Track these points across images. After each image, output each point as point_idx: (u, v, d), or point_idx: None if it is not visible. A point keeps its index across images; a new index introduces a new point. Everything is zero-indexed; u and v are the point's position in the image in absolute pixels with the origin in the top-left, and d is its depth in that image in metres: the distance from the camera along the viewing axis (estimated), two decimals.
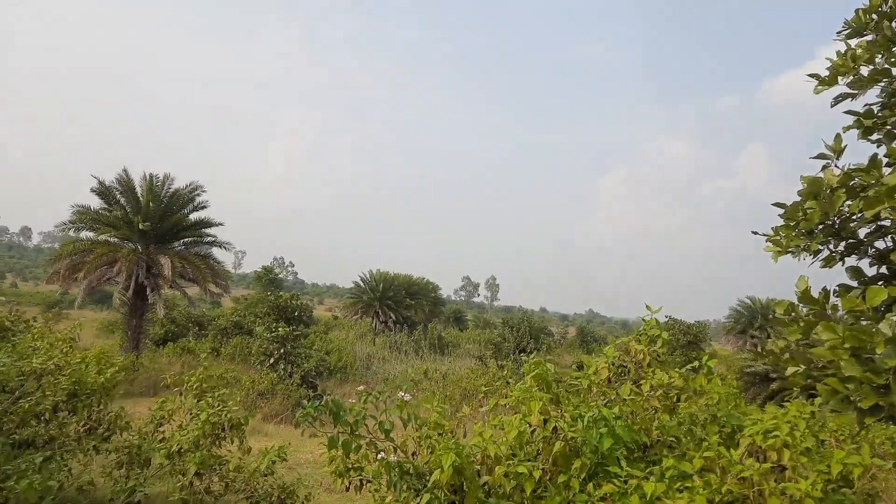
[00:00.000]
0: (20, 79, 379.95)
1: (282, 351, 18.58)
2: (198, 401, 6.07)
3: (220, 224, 23.20)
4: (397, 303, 47.27)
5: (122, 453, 5.61)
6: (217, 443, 5.84)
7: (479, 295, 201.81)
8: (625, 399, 3.90)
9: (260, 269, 69.04)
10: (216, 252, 23.58)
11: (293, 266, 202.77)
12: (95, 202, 21.71)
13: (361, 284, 49.84)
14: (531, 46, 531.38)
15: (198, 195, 22.53)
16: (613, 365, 4.56)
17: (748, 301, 58.49)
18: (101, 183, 21.25)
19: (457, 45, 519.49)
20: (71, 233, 21.41)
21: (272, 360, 18.53)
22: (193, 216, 22.69)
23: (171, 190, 22.05)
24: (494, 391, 16.01)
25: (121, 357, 21.14)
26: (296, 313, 31.88)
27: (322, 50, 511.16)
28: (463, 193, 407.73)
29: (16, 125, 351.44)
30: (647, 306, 4.99)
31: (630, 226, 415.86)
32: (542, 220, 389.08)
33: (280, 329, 18.93)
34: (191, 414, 5.99)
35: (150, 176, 21.74)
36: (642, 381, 3.97)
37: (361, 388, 4.01)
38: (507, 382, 21.52)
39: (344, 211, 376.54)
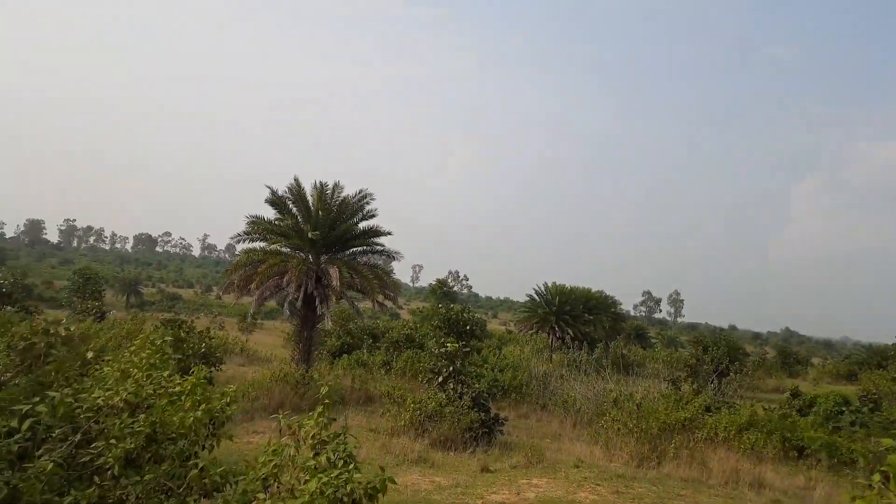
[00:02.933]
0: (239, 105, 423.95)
1: (451, 369, 16.89)
2: (315, 454, 4.31)
3: (389, 233, 22.22)
4: (575, 318, 44.37)
5: None
6: None
7: (660, 311, 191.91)
8: None
9: (434, 283, 69.58)
10: (385, 262, 22.68)
11: (467, 280, 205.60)
12: (270, 213, 21.70)
13: (536, 298, 47.50)
14: (709, 51, 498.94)
15: (367, 203, 21.72)
16: None
17: None
18: (273, 193, 21.10)
19: (621, 54, 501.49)
20: (245, 244, 21.45)
21: (441, 379, 16.89)
22: (362, 225, 21.90)
23: (340, 198, 21.45)
24: (701, 424, 13.06)
25: (294, 370, 20.88)
26: (467, 327, 30.46)
27: (493, 66, 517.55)
28: (641, 204, 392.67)
29: (227, 146, 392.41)
30: None
31: (832, 237, 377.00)
32: (731, 232, 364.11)
33: (449, 344, 17.26)
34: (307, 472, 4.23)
35: (321, 184, 21.28)
36: None
37: None
38: (709, 410, 18.20)
39: (519, 225, 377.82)
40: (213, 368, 17.94)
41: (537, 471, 12.32)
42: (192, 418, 4.42)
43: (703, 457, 13.54)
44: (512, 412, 21.49)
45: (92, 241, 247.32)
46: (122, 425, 4.10)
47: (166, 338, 6.33)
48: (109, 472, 3.99)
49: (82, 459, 3.94)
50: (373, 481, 4.24)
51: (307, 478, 4.06)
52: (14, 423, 3.93)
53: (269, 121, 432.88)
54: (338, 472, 4.01)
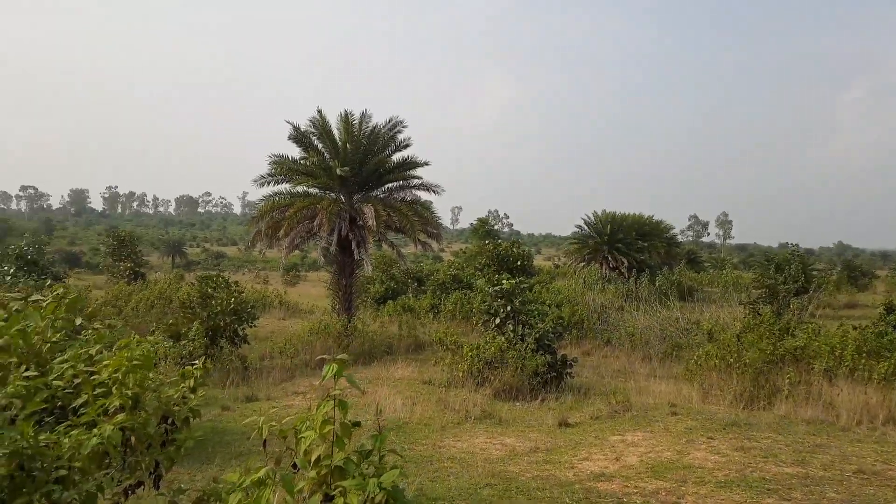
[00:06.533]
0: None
1: (509, 308, 14.85)
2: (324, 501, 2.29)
3: (427, 164, 19.92)
4: (628, 246, 41.74)
5: None
6: None
7: (708, 234, 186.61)
8: None
9: (476, 222, 67.35)
10: (424, 196, 20.41)
11: (508, 217, 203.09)
12: (296, 152, 19.66)
13: (585, 228, 44.89)
14: None
15: (399, 132, 19.39)
16: None
17: None
18: (295, 129, 18.94)
19: None
20: (270, 187, 19.44)
21: (498, 321, 14.87)
22: (396, 157, 19.64)
23: (369, 129, 19.17)
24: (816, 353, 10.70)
25: (335, 321, 19.18)
26: (518, 262, 28.33)
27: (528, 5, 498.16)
28: (680, 128, 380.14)
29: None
30: None
31: (884, 145, 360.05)
32: (773, 148, 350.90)
33: (504, 281, 15.17)
34: None
35: (346, 114, 18.96)
36: None
37: None
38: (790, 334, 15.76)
39: (556, 160, 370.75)
40: (245, 325, 16.28)
41: (627, 421, 10.29)
42: (110, 432, 2.42)
43: (824, 392, 11.31)
44: (574, 350, 19.56)
45: (135, 207, 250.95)
46: None
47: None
48: None
49: None
50: None
51: None
52: None
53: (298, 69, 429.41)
54: None
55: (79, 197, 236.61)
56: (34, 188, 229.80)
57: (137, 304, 22.29)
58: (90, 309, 7.68)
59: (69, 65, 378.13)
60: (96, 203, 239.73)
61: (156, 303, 23.57)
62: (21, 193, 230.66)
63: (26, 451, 2.23)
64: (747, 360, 11.36)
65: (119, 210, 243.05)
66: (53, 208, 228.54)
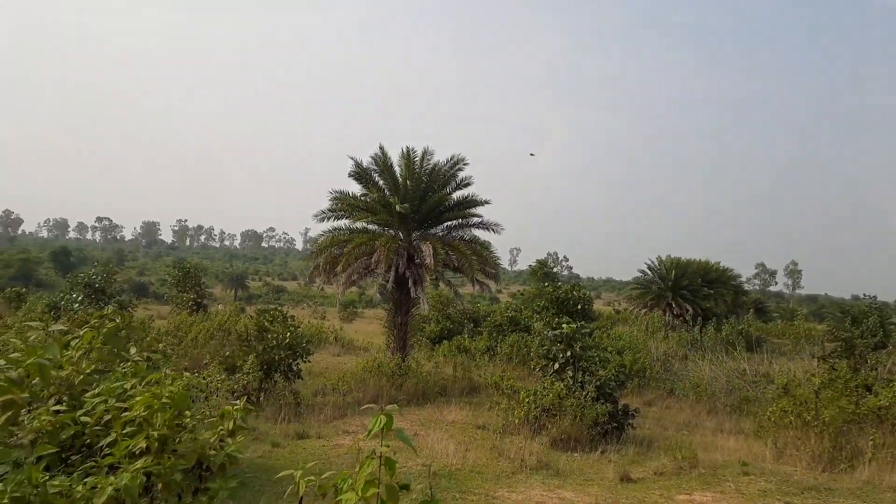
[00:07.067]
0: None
1: (568, 353, 14.29)
2: None
3: (487, 202, 19.73)
4: (693, 293, 40.34)
5: None
6: None
7: (776, 283, 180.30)
8: None
9: (534, 264, 66.64)
10: (483, 235, 20.18)
11: (567, 260, 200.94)
12: (356, 189, 19.78)
13: (648, 273, 43.72)
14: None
15: (460, 170, 19.31)
16: None
17: None
18: (357, 164, 19.06)
19: (728, 13, 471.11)
20: (330, 223, 19.58)
21: (557, 366, 14.32)
22: (456, 195, 19.51)
23: (430, 166, 19.15)
24: None
25: (389, 359, 18.93)
26: (578, 306, 27.55)
27: (590, 44, 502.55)
28: (750, 174, 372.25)
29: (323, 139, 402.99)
30: None
31: None
32: (845, 197, 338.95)
33: (565, 325, 14.65)
34: None
35: (408, 151, 19.02)
36: None
37: None
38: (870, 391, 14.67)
39: (616, 204, 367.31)
40: (300, 360, 16.17)
41: (694, 479, 9.59)
42: (126, 480, 2.15)
43: None
44: (636, 399, 18.78)
45: (203, 240, 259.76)
46: None
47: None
48: None
49: None
50: None
51: None
52: None
53: (365, 110, 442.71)
54: None
55: (150, 229, 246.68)
56: (109, 219, 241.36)
57: (197, 334, 22.55)
58: (149, 337, 7.65)
59: (153, 102, 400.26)
60: (166, 235, 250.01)
61: (215, 334, 23.82)
62: (96, 224, 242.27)
63: (33, 499, 2.00)
64: (826, 419, 10.51)
65: (187, 243, 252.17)
66: (126, 239, 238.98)
